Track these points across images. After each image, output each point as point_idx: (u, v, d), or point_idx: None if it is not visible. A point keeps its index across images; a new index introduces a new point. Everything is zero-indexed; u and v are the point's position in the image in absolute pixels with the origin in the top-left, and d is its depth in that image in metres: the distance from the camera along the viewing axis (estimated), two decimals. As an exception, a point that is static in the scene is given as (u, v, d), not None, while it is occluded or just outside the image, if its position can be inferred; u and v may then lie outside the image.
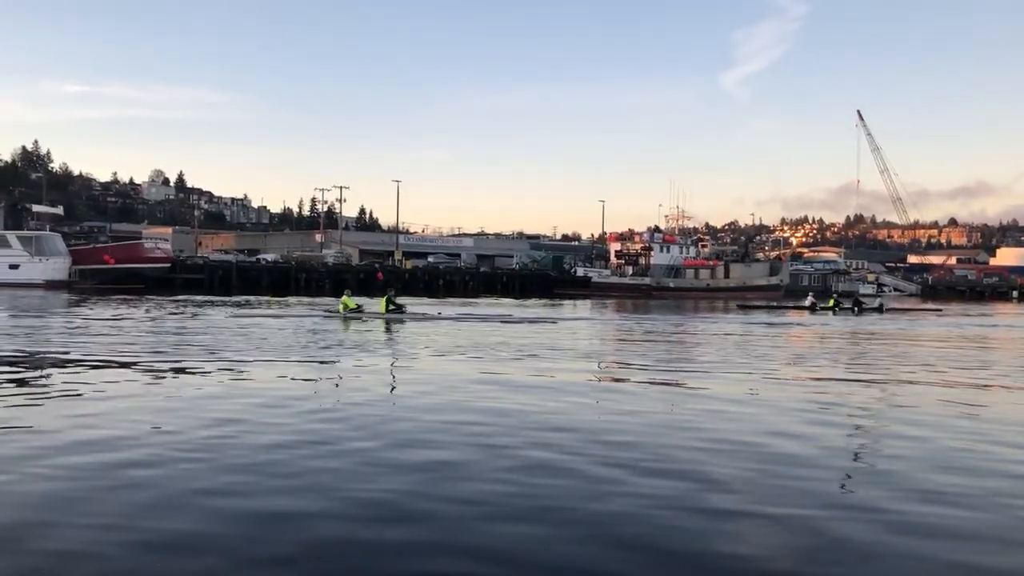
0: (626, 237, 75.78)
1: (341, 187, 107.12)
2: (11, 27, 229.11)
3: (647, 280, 69.89)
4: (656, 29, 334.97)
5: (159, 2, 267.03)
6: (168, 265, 62.93)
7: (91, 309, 30.30)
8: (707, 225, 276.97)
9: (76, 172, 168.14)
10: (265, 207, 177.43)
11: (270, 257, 77.12)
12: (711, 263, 73.73)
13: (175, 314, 28.01)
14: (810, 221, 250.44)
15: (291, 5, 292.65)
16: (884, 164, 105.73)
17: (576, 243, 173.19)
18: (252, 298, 49.19)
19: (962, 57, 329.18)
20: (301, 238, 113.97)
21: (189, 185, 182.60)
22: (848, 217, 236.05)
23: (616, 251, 74.09)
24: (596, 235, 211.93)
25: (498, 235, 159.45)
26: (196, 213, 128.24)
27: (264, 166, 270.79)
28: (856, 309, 40.80)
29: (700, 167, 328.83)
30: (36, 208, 62.47)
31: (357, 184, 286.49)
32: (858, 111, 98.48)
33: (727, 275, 73.80)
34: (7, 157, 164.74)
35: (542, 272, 76.28)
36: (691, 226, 78.61)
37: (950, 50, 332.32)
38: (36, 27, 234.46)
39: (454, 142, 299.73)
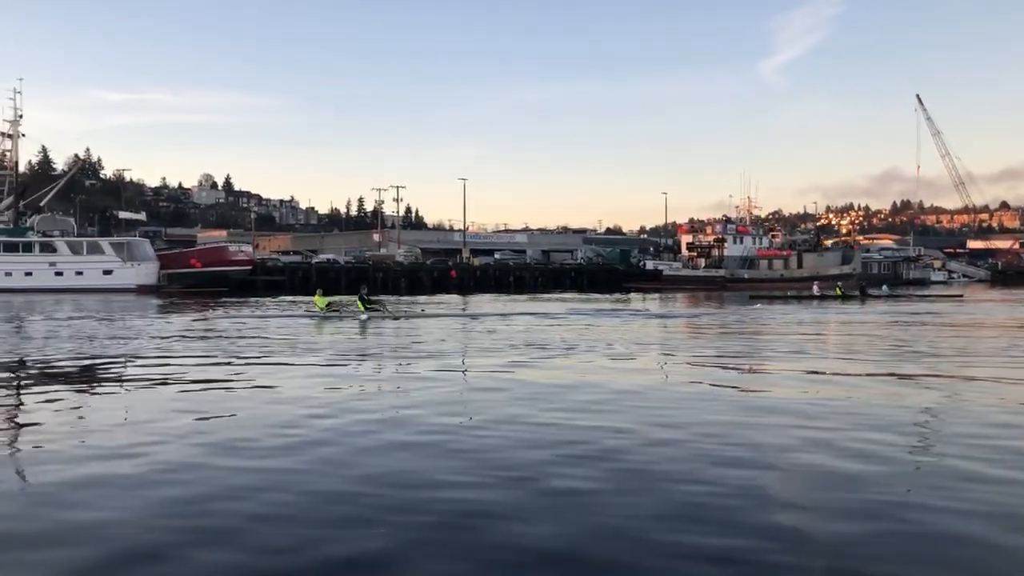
0: (697, 229, 75.44)
1: (397, 187, 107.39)
2: (57, 38, 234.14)
3: (722, 272, 69.51)
4: (691, 19, 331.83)
5: (194, 10, 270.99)
6: (250, 268, 64.05)
7: (228, 312, 30.95)
8: (724, 216, 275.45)
9: (127, 178, 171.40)
10: (313, 208, 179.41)
11: (330, 257, 77.88)
12: (784, 253, 73.12)
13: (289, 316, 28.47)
14: (855, 208, 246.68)
15: (319, 9, 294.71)
16: (945, 148, 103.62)
17: (622, 235, 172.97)
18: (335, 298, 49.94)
19: (1004, 39, 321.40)
20: (359, 238, 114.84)
21: (236, 188, 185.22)
22: (895, 203, 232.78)
23: (688, 243, 73.77)
24: (640, 227, 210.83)
25: (542, 230, 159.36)
26: (252, 215, 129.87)
27: (307, 168, 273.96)
28: (863, 297, 40.29)
29: (738, 156, 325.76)
30: (123, 214, 64.00)
31: (396, 182, 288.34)
32: (917, 95, 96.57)
33: (800, 265, 73.10)
34: (61, 165, 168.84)
35: (609, 266, 76.24)
36: (757, 215, 77.93)
37: (990, 33, 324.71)
38: (79, 38, 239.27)
39: (486, 138, 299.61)
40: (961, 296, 45.56)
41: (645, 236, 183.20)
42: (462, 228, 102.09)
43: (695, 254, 72.46)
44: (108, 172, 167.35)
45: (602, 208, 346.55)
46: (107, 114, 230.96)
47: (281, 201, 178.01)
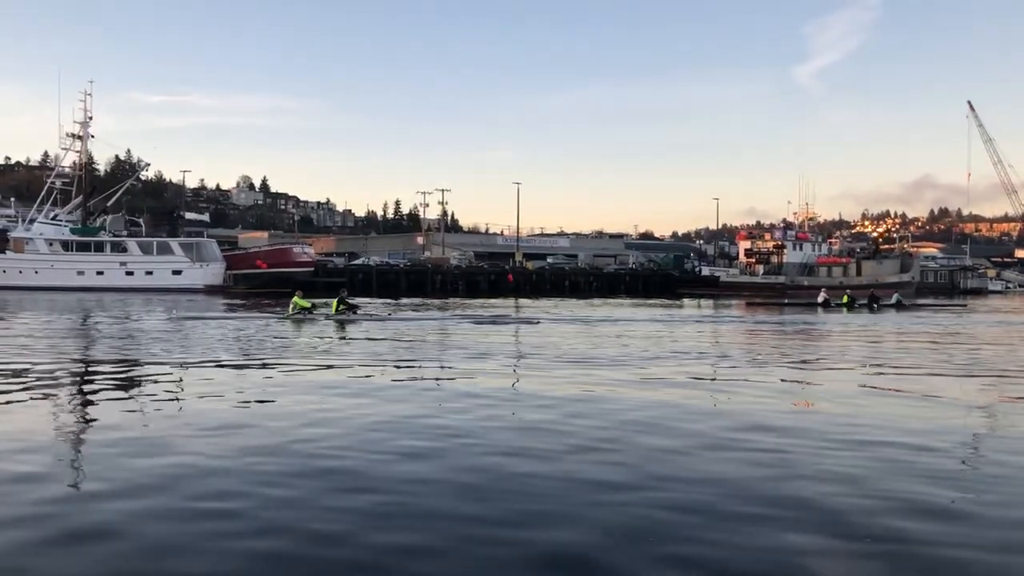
0: (755, 235, 74.91)
1: (443, 190, 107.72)
2: (96, 41, 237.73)
3: (781, 278, 68.92)
4: (726, 23, 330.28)
5: (230, 14, 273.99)
6: (312, 269, 64.50)
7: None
8: (784, 221, 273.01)
9: (167, 179, 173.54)
10: (350, 211, 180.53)
11: (384, 259, 78.25)
12: (844, 260, 72.44)
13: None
14: (891, 215, 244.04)
15: (341, 14, 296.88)
16: (997, 156, 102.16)
17: (655, 240, 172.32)
18: (391, 300, 50.34)
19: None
20: (403, 240, 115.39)
21: (272, 190, 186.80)
22: (932, 211, 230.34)
23: (746, 249, 73.25)
24: (672, 232, 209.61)
25: (577, 234, 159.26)
26: (295, 218, 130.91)
27: (341, 170, 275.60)
28: (874, 306, 39.42)
29: (772, 161, 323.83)
30: (189, 215, 64.75)
31: (432, 185, 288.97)
32: (969, 102, 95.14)
33: (859, 272, 72.46)
34: (103, 166, 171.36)
35: (664, 272, 75.93)
36: (818, 221, 77.14)
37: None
38: (118, 41, 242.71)
39: (520, 142, 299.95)
40: (964, 306, 45.88)
41: (675, 240, 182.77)
42: (500, 231, 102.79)
43: (753, 260, 71.93)
44: (147, 173, 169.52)
45: (631, 213, 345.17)
46: (145, 116, 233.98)
47: (319, 203, 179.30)
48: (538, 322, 25.76)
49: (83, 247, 58.69)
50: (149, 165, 65.32)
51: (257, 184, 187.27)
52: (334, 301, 26.08)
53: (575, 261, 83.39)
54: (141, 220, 62.56)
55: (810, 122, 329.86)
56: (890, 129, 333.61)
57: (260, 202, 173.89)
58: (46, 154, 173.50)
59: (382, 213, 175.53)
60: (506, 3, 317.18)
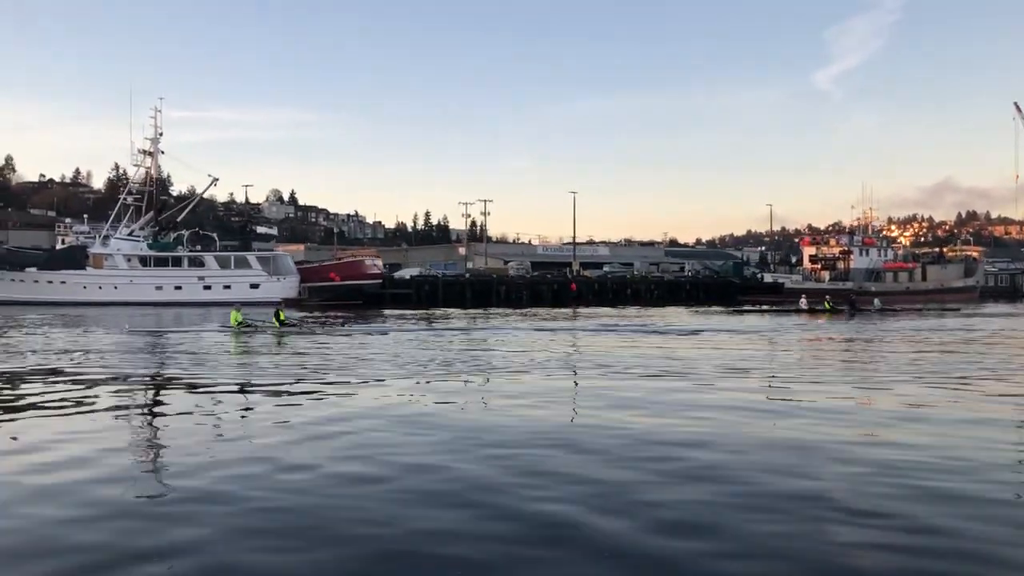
0: (820, 241, 74.62)
1: (485, 201, 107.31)
2: (118, 57, 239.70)
3: (849, 284, 68.49)
4: (743, 29, 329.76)
5: (252, 31, 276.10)
6: (381, 281, 64.68)
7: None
8: (809, 226, 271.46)
9: (195, 193, 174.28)
10: (380, 222, 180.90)
11: (440, 271, 78.26)
12: (910, 265, 72.07)
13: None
14: (918, 219, 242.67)
15: (360, 27, 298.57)
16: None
17: (687, 247, 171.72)
18: (454, 310, 50.53)
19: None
20: (444, 251, 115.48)
21: (300, 203, 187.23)
22: (959, 214, 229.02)
23: (811, 255, 72.97)
24: (696, 239, 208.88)
25: (605, 242, 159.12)
26: (332, 230, 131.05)
27: (366, 182, 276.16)
28: (852, 311, 39.30)
29: (791, 167, 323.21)
30: (261, 230, 65.02)
31: (450, 196, 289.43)
32: (1015, 103, 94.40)
33: (924, 277, 72.08)
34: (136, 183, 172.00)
35: (724, 279, 75.61)
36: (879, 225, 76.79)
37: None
38: (140, 57, 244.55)
39: (537, 151, 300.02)
40: (958, 309, 45.80)
41: (716, 248, 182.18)
42: (528, 241, 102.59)
43: (819, 266, 71.58)
44: (184, 188, 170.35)
45: (650, 220, 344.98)
46: (168, 131, 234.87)
47: (348, 215, 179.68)
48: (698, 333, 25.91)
49: (161, 262, 58.96)
50: (217, 180, 65.06)
51: (285, 197, 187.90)
52: (273, 315, 27.74)
53: (630, 270, 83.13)
54: (215, 235, 62.85)
55: (829, 127, 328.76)
56: (909, 133, 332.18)
57: (291, 215, 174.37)
58: (77, 171, 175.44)
59: (412, 224, 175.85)
60: (525, 13, 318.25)
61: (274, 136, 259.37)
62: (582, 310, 51.55)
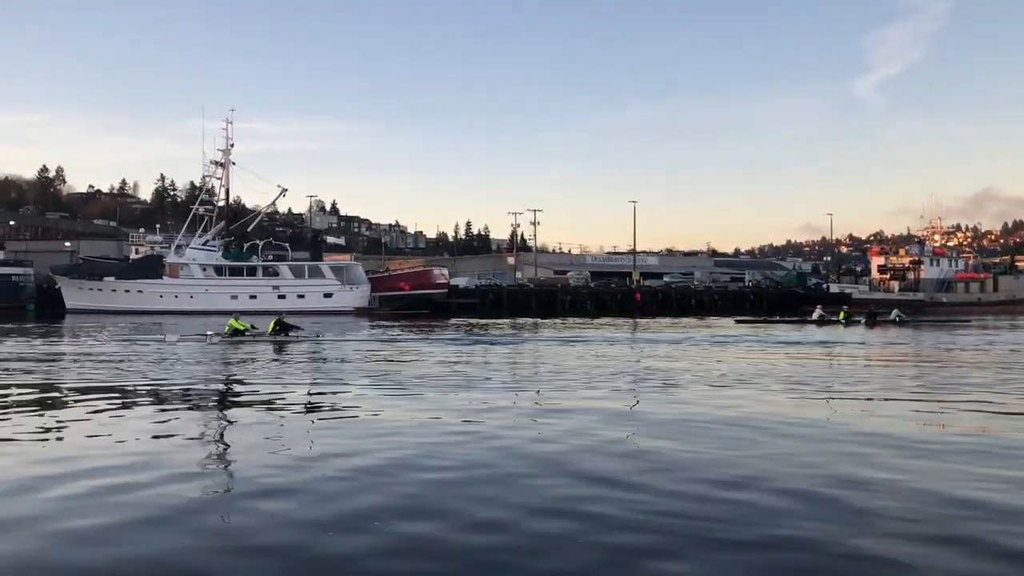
0: (889, 251, 73.64)
1: (535, 210, 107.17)
2: (158, 71, 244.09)
3: (920, 295, 67.45)
4: (780, 37, 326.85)
5: (286, 41, 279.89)
6: (447, 290, 64.87)
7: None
8: (850, 236, 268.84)
9: (242, 203, 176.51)
10: (422, 232, 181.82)
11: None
12: (982, 276, 70.83)
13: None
14: (963, 229, 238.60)
15: (393, 37, 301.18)
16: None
17: (729, 256, 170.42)
18: (521, 319, 50.32)
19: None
20: (492, 261, 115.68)
21: (341, 213, 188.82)
22: (1005, 224, 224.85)
23: (879, 265, 72.01)
24: (735, 249, 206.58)
25: (649, 252, 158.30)
26: (382, 239, 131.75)
27: (404, 192, 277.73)
28: (871, 322, 38.20)
29: (827, 176, 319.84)
30: (331, 239, 65.57)
31: (488, 206, 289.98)
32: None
33: (995, 288, 70.77)
34: (181, 192, 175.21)
35: (787, 289, 74.85)
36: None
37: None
38: (179, 71, 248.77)
39: (571, 161, 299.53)
40: (969, 321, 44.66)
41: (747, 256, 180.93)
42: (567, 250, 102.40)
43: (887, 276, 70.59)
44: (232, 199, 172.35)
45: (684, 230, 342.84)
46: (209, 143, 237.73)
47: (390, 225, 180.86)
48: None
49: (236, 271, 59.67)
50: (287, 191, 65.74)
51: (327, 207, 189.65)
52: (271, 323, 28.05)
53: (690, 280, 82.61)
54: (287, 245, 63.54)
55: (868, 135, 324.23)
56: (949, 141, 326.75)
57: (334, 225, 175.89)
58: (124, 182, 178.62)
59: (453, 234, 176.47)
60: (557, 21, 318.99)
61: (310, 147, 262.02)
62: (661, 320, 51.22)
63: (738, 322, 44.11)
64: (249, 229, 66.09)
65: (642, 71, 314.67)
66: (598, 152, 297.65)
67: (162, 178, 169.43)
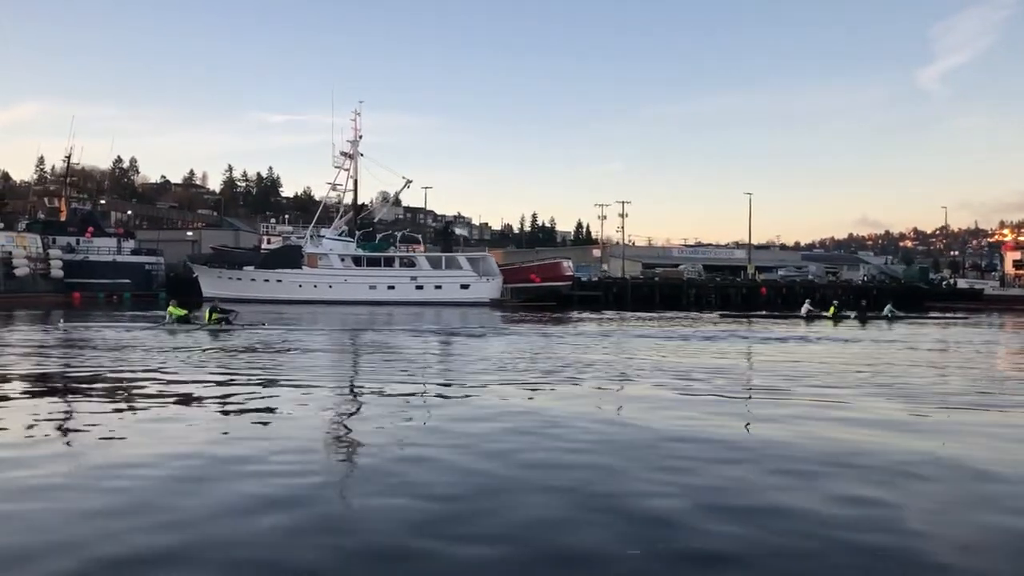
0: (1022, 246, 71.56)
1: (623, 202, 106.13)
2: (221, 64, 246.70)
3: (1067, 294, 65.35)
4: (844, 27, 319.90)
5: (349, 35, 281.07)
6: (571, 283, 64.32)
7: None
8: (915, 230, 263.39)
9: (310, 195, 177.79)
10: (487, 224, 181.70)
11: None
12: None
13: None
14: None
15: (447, 29, 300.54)
16: None
17: (813, 250, 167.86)
18: (644, 314, 49.09)
19: None
20: (576, 253, 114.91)
21: (404, 204, 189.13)
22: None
23: (1015, 260, 69.97)
24: (796, 242, 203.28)
25: (715, 244, 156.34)
26: (452, 232, 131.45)
27: (467, 184, 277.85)
28: (862, 318, 36.77)
29: (891, 169, 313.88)
30: (459, 231, 65.40)
31: (547, 196, 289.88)
32: None
33: None
34: (243, 184, 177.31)
35: (910, 285, 73.04)
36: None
37: None
38: (240, 64, 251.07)
39: (631, 153, 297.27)
40: (966, 318, 43.10)
41: (821, 250, 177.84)
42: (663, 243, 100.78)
43: (1023, 272, 68.53)
44: (299, 190, 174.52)
45: (739, 223, 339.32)
46: (269, 135, 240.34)
47: (454, 217, 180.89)
48: None
49: (373, 262, 59.73)
50: (411, 183, 65.51)
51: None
52: (207, 310, 27.57)
53: (804, 274, 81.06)
54: (420, 237, 63.52)
55: (933, 126, 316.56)
56: (1014, 133, 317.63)
57: (400, 216, 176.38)
58: (192, 172, 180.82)
59: (519, 225, 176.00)
60: (611, 14, 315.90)
61: (370, 139, 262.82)
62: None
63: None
64: (376, 219, 66.12)
65: (702, 63, 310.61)
66: (659, 144, 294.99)
67: (230, 169, 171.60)
